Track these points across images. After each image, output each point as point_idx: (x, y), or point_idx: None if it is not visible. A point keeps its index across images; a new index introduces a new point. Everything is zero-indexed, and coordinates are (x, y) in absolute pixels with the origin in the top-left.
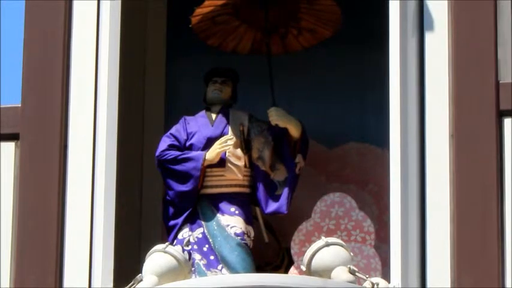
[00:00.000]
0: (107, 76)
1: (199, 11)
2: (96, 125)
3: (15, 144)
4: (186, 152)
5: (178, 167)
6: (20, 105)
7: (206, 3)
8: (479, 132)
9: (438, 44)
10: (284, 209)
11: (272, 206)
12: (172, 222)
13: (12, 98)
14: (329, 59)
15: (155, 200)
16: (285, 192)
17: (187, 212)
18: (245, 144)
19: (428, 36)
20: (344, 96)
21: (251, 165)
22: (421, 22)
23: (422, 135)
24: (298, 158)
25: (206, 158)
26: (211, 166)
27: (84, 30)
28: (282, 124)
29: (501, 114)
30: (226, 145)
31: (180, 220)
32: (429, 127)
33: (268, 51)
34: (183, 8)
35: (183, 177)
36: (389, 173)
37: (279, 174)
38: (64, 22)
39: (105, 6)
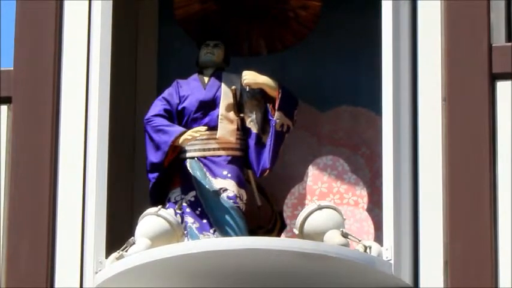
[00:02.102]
0: (100, 38)
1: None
2: (88, 88)
3: (8, 108)
4: (169, 124)
5: (154, 136)
6: (12, 69)
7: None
8: (471, 96)
9: (431, 7)
10: (267, 164)
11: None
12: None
13: (5, 61)
14: (322, 21)
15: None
16: (267, 147)
17: (152, 182)
18: (237, 107)
19: None
20: (337, 59)
21: (243, 128)
22: None
23: (414, 99)
24: (278, 115)
25: (179, 137)
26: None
27: None
28: (254, 86)
29: (494, 78)
30: (195, 136)
31: (151, 192)
32: (422, 91)
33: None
34: None
35: (156, 147)
36: (382, 137)
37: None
38: None
39: None
